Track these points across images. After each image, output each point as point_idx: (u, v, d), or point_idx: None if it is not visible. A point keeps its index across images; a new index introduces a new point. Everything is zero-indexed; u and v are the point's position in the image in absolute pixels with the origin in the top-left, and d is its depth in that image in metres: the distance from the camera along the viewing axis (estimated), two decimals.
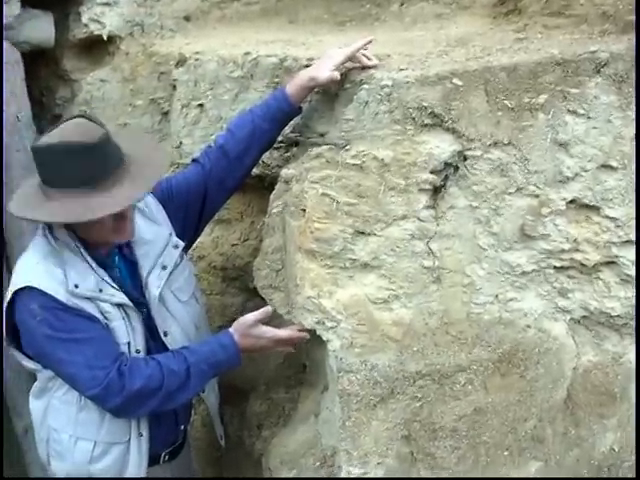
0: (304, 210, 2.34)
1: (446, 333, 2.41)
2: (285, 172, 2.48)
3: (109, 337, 2.46)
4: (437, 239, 2.35)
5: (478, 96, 2.33)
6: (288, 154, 2.62)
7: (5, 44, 3.24)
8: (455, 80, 2.31)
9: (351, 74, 2.41)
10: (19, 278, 2.42)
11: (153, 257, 2.56)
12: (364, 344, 2.36)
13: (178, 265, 2.62)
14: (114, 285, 2.47)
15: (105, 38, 3.36)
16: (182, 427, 2.76)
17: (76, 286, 2.38)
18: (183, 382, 2.45)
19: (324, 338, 2.40)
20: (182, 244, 2.62)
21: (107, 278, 2.46)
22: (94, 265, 2.44)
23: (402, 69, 2.37)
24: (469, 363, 2.43)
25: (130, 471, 2.58)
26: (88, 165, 2.29)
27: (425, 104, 2.30)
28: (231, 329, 2.53)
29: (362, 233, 2.30)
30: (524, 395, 2.51)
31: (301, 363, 2.75)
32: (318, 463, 2.55)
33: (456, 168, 2.36)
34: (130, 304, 2.49)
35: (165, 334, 2.59)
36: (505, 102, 2.35)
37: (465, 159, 2.35)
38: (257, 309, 2.54)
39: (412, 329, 2.37)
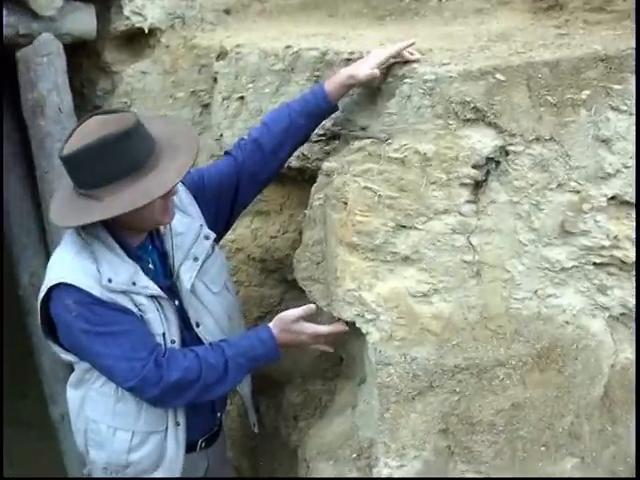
0: (345, 203, 2.35)
1: (485, 328, 2.41)
2: (327, 165, 2.49)
3: (145, 329, 2.48)
4: (478, 234, 2.35)
5: (520, 91, 2.33)
6: (328, 147, 2.63)
7: (48, 35, 3.28)
8: (498, 75, 2.31)
9: (393, 68, 2.41)
10: (53, 274, 2.43)
11: (185, 249, 2.56)
12: (403, 337, 2.36)
13: (210, 256, 2.62)
14: (147, 277, 2.48)
15: (146, 30, 3.37)
16: (218, 415, 2.78)
17: (110, 280, 2.39)
18: (221, 375, 2.47)
19: (363, 331, 2.41)
20: (213, 235, 2.63)
21: (140, 271, 2.47)
22: (126, 258, 2.45)
23: (444, 63, 2.38)
24: (508, 358, 2.42)
25: (168, 459, 2.60)
26: (127, 152, 2.30)
27: (468, 99, 2.30)
28: (271, 324, 2.54)
29: (403, 227, 2.31)
30: (562, 391, 2.51)
31: (338, 355, 2.75)
32: (355, 455, 2.56)
33: (497, 163, 2.36)
34: (163, 295, 2.50)
35: (197, 325, 2.60)
36: (547, 98, 2.34)
37: (507, 154, 2.35)
38: (295, 301, 2.56)
39: (451, 323, 2.38)
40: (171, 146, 2.39)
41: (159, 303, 2.50)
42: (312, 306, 2.53)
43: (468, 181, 2.31)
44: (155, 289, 2.48)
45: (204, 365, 2.45)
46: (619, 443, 2.67)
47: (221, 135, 2.93)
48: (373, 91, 2.48)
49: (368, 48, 2.57)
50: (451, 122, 2.31)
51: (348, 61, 2.57)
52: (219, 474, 2.84)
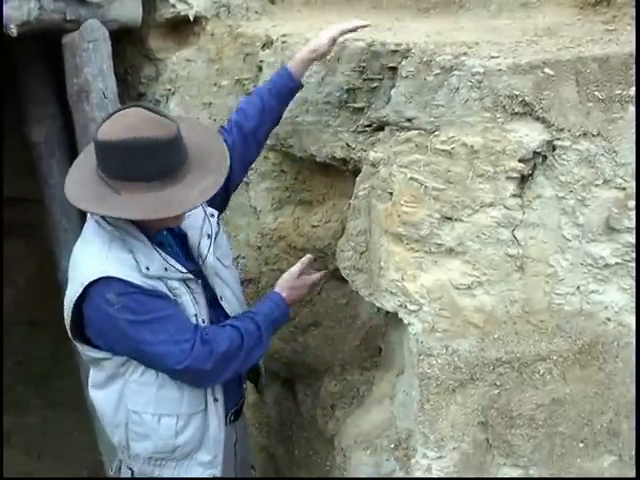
0: (391, 194, 2.35)
1: (527, 322, 2.40)
2: (373, 155, 2.49)
3: (183, 312, 2.52)
4: (522, 228, 2.35)
5: (569, 86, 2.32)
6: (373, 138, 2.63)
7: (94, 21, 3.31)
8: (547, 69, 2.30)
9: (442, 61, 2.40)
10: (90, 270, 2.42)
11: (198, 228, 2.63)
12: (446, 329, 2.37)
13: (218, 233, 2.69)
14: (176, 262, 2.51)
15: (191, 19, 3.39)
16: (244, 386, 2.85)
17: (147, 268, 2.42)
18: (258, 339, 2.59)
19: (405, 321, 2.42)
20: (216, 212, 2.70)
21: (167, 256, 2.50)
22: (150, 246, 2.48)
23: (493, 57, 2.36)
24: (549, 353, 2.42)
25: (211, 435, 2.65)
26: (160, 160, 2.31)
27: (516, 92, 2.29)
28: (277, 288, 2.72)
29: (449, 218, 2.31)
30: (602, 388, 2.50)
31: (377, 346, 2.77)
32: (393, 445, 2.57)
33: (544, 157, 2.35)
34: (192, 277, 2.55)
35: (221, 298, 2.67)
36: (596, 93, 2.33)
37: (554, 149, 2.34)
38: (336, 290, 2.59)
39: (494, 316, 2.38)
40: (202, 164, 2.42)
41: (188, 286, 2.54)
42: (309, 256, 2.76)
43: (514, 175, 2.31)
44: (185, 272, 2.53)
45: (243, 332, 2.55)
46: None
47: None
48: (420, 83, 2.47)
49: (414, 39, 2.56)
50: (499, 115, 2.31)
51: (394, 53, 2.56)
52: (244, 446, 2.90)
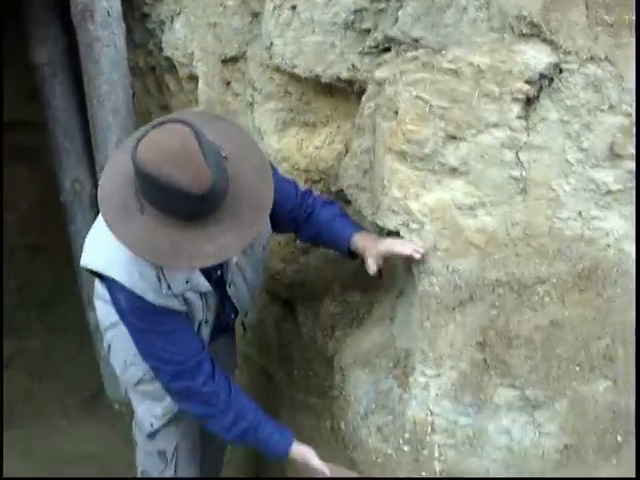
0: (396, 112, 2.34)
1: (528, 245, 2.41)
2: (379, 74, 2.48)
3: (191, 329, 2.54)
4: (526, 150, 2.34)
5: (578, 9, 2.29)
6: (379, 59, 2.60)
7: None
8: None
9: None
10: (110, 267, 2.39)
11: None
12: (447, 248, 2.37)
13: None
14: (200, 275, 2.48)
15: None
16: (233, 316, 2.85)
17: (169, 287, 2.39)
18: (226, 430, 2.55)
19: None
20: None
21: (194, 271, 2.46)
22: None
23: None
24: (548, 276, 2.43)
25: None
26: (187, 208, 2.15)
27: (525, 13, 2.27)
28: (294, 451, 2.57)
29: (453, 138, 2.30)
30: (600, 313, 2.51)
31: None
32: (392, 364, 2.60)
33: (551, 80, 2.33)
34: (211, 291, 2.54)
35: (230, 285, 2.65)
36: (605, 17, 2.30)
37: (560, 72, 2.32)
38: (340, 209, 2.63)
39: (495, 238, 2.38)
40: (235, 212, 2.22)
41: (205, 296, 2.54)
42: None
43: (520, 96, 2.29)
44: (206, 287, 2.51)
45: (224, 414, 2.53)
46: None
47: (271, 44, 2.89)
48: (428, 3, 2.44)
49: None
50: (507, 36, 2.28)
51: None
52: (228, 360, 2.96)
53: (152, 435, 2.88)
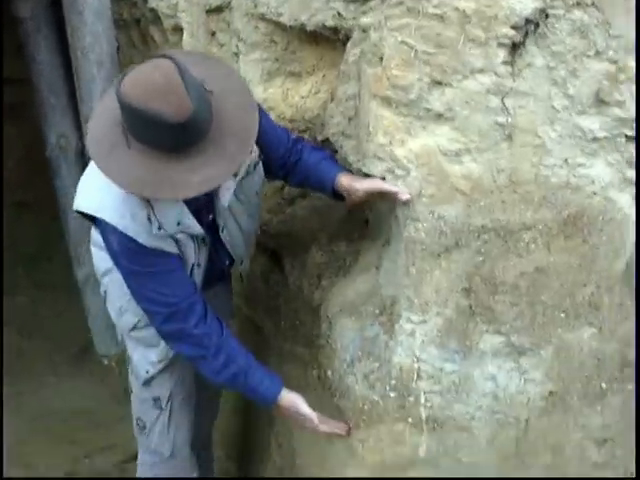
0: (381, 58, 2.32)
1: (513, 192, 2.41)
2: (364, 20, 2.45)
3: (184, 272, 2.53)
4: (512, 96, 2.33)
5: None
6: (364, 7, 2.57)
7: None
8: None
9: None
10: (101, 208, 2.38)
11: None
12: (432, 194, 2.37)
13: (250, 172, 2.62)
14: (191, 216, 2.47)
15: None
16: (228, 263, 2.84)
17: (159, 228, 2.39)
18: (216, 373, 2.56)
19: None
20: (256, 150, 2.58)
21: (185, 209, 2.45)
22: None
23: None
24: (534, 222, 2.43)
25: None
26: (169, 138, 2.15)
27: None
28: (284, 397, 2.60)
29: (439, 83, 2.28)
30: (585, 260, 2.53)
31: (364, 217, 2.77)
32: (377, 311, 2.60)
33: (537, 26, 2.31)
34: (202, 234, 2.53)
35: (222, 230, 2.64)
36: None
37: (547, 17, 2.30)
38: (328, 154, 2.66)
39: (480, 184, 2.38)
40: (220, 142, 2.22)
41: (197, 239, 2.54)
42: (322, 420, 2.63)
43: (506, 41, 2.28)
44: (198, 230, 2.50)
45: (215, 356, 2.53)
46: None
47: None
48: None
49: None
50: None
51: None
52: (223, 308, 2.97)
53: (148, 382, 2.89)
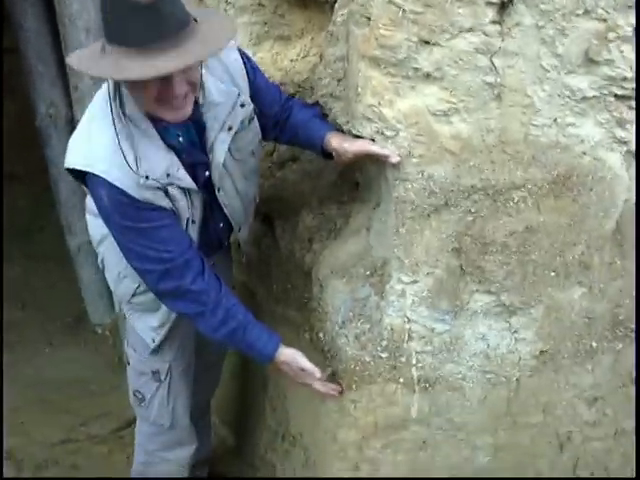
0: (369, 18, 2.31)
1: (503, 152, 2.41)
2: None
3: (178, 228, 2.51)
4: (501, 55, 2.32)
5: None
6: None
7: None
8: None
9: None
10: (90, 159, 2.35)
11: (220, 119, 2.51)
12: (422, 154, 2.37)
13: (244, 128, 2.59)
14: (182, 169, 2.45)
15: None
16: (223, 226, 2.81)
17: (146, 177, 2.35)
18: (214, 328, 2.55)
19: None
20: (250, 105, 2.56)
21: (175, 160, 2.43)
22: (162, 145, 2.40)
23: None
24: (524, 182, 2.44)
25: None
26: (147, 25, 2.09)
27: None
28: (282, 353, 2.60)
29: (427, 42, 2.27)
30: (575, 220, 2.54)
31: (354, 180, 2.77)
32: (368, 272, 2.61)
33: None
34: (195, 189, 2.51)
35: (219, 190, 2.62)
36: None
37: None
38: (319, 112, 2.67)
39: (470, 144, 2.38)
40: (204, 30, 2.20)
41: (189, 193, 2.51)
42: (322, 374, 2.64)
43: (494, 0, 2.27)
44: (188, 182, 2.47)
45: (213, 312, 2.52)
46: (626, 277, 2.73)
47: None
48: None
49: None
50: None
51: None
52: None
53: (156, 351, 2.89)
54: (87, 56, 2.24)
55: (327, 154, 2.62)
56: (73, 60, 2.29)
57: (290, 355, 2.61)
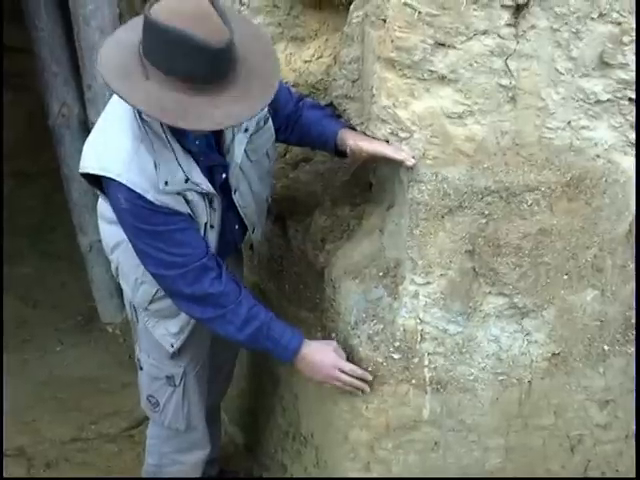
0: (385, 20, 2.31)
1: (517, 154, 2.41)
2: None
3: (195, 231, 2.49)
4: (516, 58, 2.32)
5: None
6: None
7: None
8: None
9: None
10: (108, 163, 2.34)
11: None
12: (436, 156, 2.37)
13: (260, 129, 2.60)
14: (201, 174, 2.44)
15: None
16: (238, 228, 2.80)
17: (166, 183, 2.34)
18: (238, 331, 2.53)
19: None
20: (265, 108, 2.51)
21: (194, 166, 2.42)
22: (182, 153, 2.39)
23: None
24: (537, 184, 2.44)
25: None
26: (200, 66, 2.08)
27: None
28: (305, 349, 2.57)
29: (442, 45, 2.27)
30: (588, 222, 2.54)
31: (367, 181, 2.78)
32: (381, 273, 2.61)
33: None
34: (213, 192, 2.49)
35: (235, 192, 2.62)
36: None
37: None
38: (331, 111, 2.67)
39: (484, 146, 2.38)
40: (244, 84, 2.17)
41: (208, 198, 2.50)
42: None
43: (509, 3, 2.26)
44: (207, 186, 2.46)
45: (235, 313, 2.51)
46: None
47: None
48: None
49: None
50: None
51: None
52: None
53: (175, 355, 2.87)
54: (122, 74, 2.13)
55: (340, 152, 2.62)
56: (116, 85, 2.13)
57: (319, 345, 2.61)
